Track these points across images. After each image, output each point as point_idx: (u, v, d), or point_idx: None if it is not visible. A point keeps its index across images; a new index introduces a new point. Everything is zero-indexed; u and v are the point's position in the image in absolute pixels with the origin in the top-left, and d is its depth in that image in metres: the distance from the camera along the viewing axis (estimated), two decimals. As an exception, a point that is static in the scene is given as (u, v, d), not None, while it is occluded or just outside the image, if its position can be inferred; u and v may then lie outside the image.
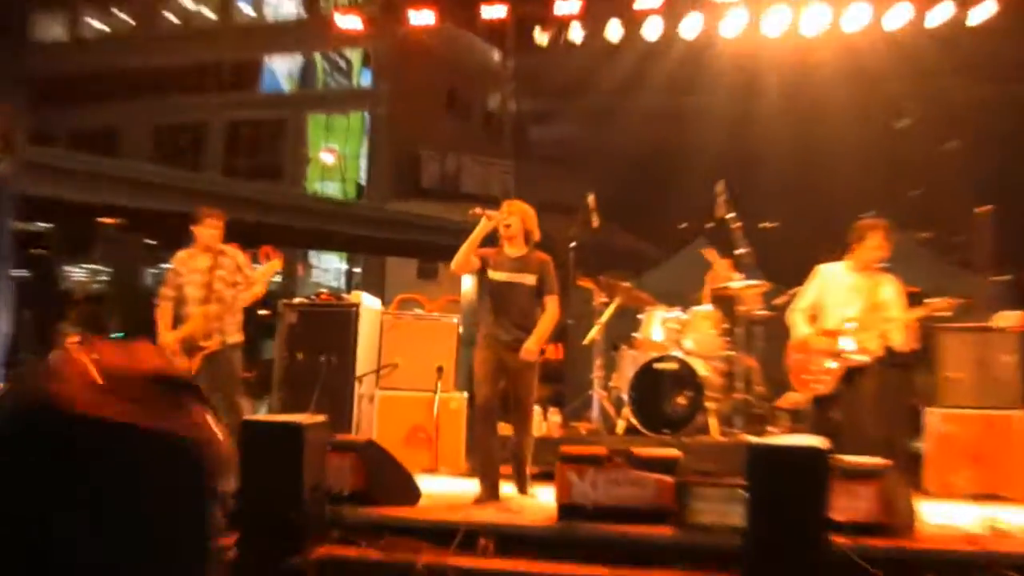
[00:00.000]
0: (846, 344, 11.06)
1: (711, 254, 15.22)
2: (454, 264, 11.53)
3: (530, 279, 11.44)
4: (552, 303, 11.49)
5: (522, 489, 11.39)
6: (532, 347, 11.25)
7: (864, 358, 11.07)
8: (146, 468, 1.04)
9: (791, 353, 11.67)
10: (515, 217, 11.49)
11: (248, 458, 9.20)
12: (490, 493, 11.16)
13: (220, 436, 1.10)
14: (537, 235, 11.69)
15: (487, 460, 11.46)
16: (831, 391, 11.22)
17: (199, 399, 1.14)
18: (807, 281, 11.65)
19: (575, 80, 26.01)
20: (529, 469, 11.53)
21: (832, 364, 11.17)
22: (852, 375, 11.10)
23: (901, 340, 11.21)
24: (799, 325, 11.43)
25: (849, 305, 11.21)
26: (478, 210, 11.46)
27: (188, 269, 12.56)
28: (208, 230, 12.65)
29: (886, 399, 12.49)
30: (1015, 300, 13.41)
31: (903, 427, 13.34)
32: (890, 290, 11.30)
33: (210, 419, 1.12)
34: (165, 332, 12.32)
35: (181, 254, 12.70)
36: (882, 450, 10.67)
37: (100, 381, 1.10)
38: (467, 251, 11.33)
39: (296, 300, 15.97)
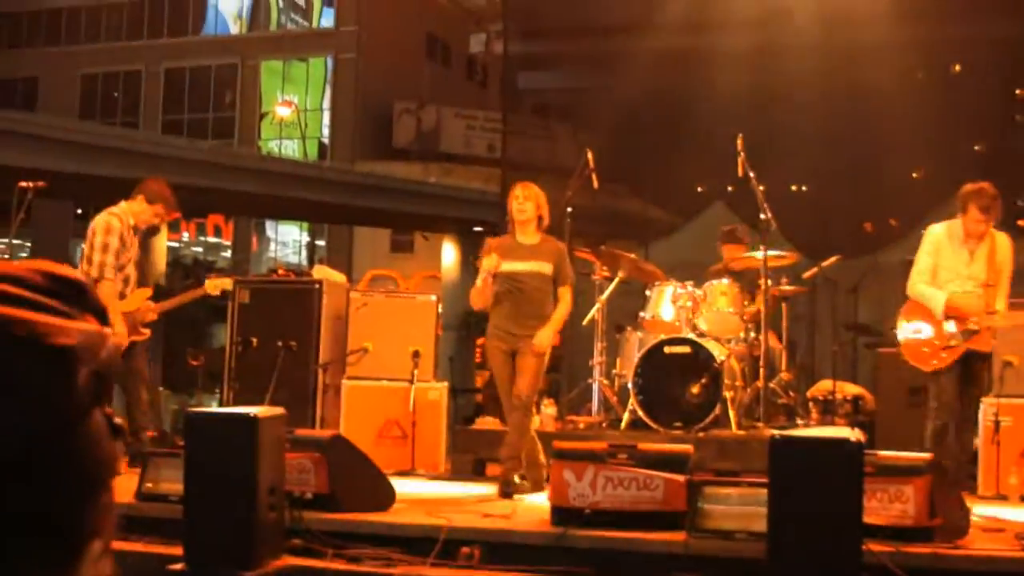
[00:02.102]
0: (973, 326, 11.10)
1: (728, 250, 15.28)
2: (473, 303, 12.25)
3: (546, 268, 11.97)
4: (567, 294, 12.08)
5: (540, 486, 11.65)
6: (545, 339, 11.83)
7: (986, 349, 11.16)
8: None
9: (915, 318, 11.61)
10: (530, 202, 12.04)
11: (194, 456, 9.29)
12: (537, 487, 11.62)
13: (100, 342, 1.20)
14: (548, 220, 12.24)
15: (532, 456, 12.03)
16: (946, 368, 11.24)
17: (98, 311, 1.23)
18: (920, 247, 11.60)
19: (573, 18, 26.08)
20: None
21: (955, 342, 11.18)
22: (970, 359, 11.16)
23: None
24: (931, 293, 11.34)
25: (967, 276, 11.21)
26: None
27: (132, 241, 12.79)
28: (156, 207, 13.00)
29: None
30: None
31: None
32: (1004, 253, 11.36)
33: (98, 327, 1.22)
34: (117, 311, 12.36)
35: (128, 221, 12.84)
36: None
37: None
38: (484, 289, 11.89)
39: (250, 277, 16.08)
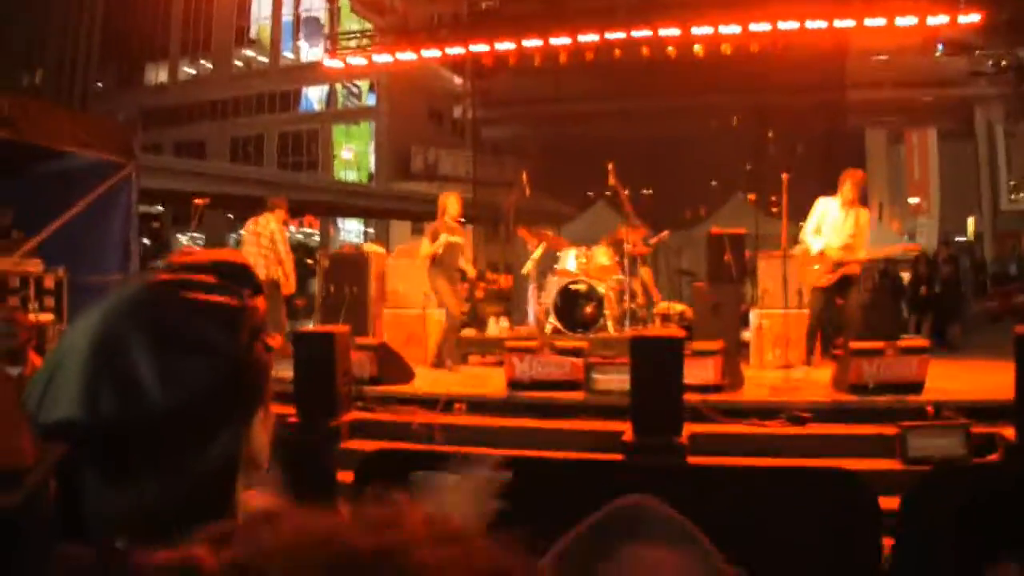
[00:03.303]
0: (841, 260, 10.85)
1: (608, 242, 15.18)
2: (425, 253, 12.47)
3: (461, 238, 12.54)
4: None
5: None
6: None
7: (855, 270, 10.89)
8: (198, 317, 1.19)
9: (808, 261, 11.44)
10: (457, 205, 12.57)
11: (299, 356, 9.34)
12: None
13: (253, 310, 1.28)
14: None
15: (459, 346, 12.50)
16: (831, 285, 10.97)
17: (252, 284, 1.32)
18: (810, 213, 11.34)
19: (512, 96, 26.10)
20: None
21: (836, 269, 10.89)
22: (846, 280, 10.91)
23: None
24: (813, 242, 11.15)
25: (842, 232, 11.00)
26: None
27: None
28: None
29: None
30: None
31: (737, 324, 13.49)
32: (864, 220, 11.06)
33: (255, 297, 1.30)
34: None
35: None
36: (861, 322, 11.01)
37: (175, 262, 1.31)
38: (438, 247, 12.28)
39: (330, 251, 16.10)
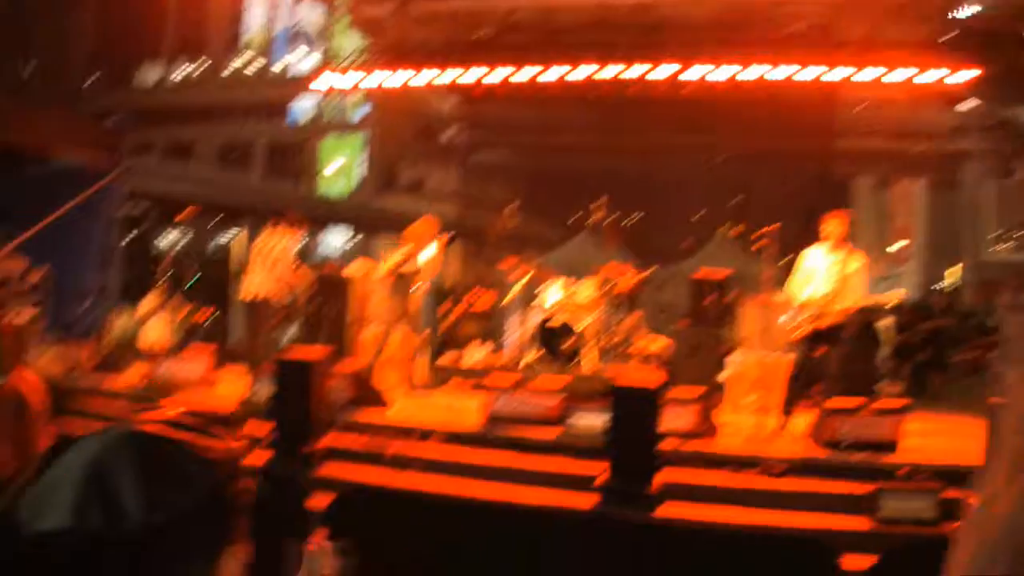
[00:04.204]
0: (819, 313, 10.79)
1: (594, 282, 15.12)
2: (381, 273, 13.04)
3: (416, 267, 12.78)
4: None
5: None
6: None
7: (836, 320, 10.84)
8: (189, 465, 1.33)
9: (792, 311, 11.33)
10: (430, 233, 13.12)
11: (280, 382, 9.40)
12: None
13: (233, 453, 1.39)
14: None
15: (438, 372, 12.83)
16: (811, 335, 10.88)
17: (233, 429, 1.41)
18: (796, 263, 11.26)
19: (502, 122, 26.25)
20: None
21: (817, 319, 10.83)
22: (827, 330, 10.81)
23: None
24: (798, 293, 11.03)
25: (828, 280, 10.89)
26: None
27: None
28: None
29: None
30: (784, 281, 13.53)
31: (715, 367, 13.44)
32: (855, 266, 11.05)
33: (231, 442, 1.40)
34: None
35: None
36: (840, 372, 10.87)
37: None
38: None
39: (313, 266, 15.96)
